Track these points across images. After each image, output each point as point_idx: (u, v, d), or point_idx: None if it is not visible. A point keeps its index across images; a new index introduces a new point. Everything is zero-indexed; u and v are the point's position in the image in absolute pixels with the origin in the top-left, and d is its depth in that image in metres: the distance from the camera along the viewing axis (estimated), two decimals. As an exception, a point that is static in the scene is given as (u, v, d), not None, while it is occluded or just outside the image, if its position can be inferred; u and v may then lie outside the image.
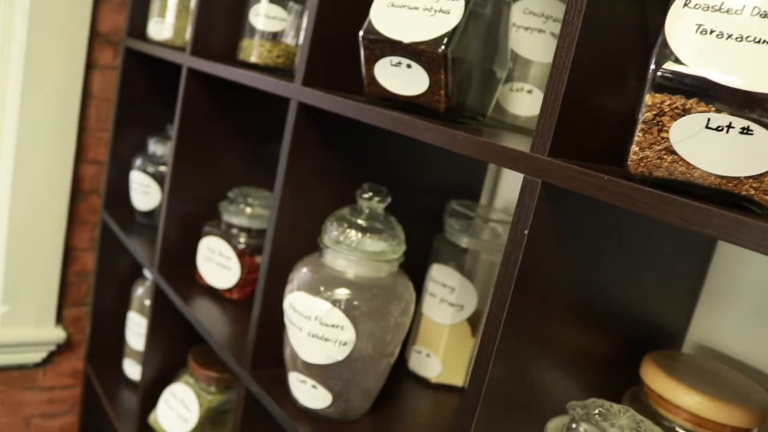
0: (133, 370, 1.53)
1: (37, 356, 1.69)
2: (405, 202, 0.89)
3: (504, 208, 1.09)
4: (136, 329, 1.49)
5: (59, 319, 1.71)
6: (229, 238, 1.12)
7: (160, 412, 1.23)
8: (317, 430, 0.80)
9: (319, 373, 0.80)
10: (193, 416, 1.18)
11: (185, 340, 1.27)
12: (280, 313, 0.88)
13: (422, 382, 0.99)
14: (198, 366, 1.20)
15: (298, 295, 0.79)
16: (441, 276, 0.96)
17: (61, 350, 1.73)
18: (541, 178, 0.54)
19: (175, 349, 1.27)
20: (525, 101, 0.88)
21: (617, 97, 0.58)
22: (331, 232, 0.79)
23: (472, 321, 0.97)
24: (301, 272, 0.80)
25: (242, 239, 1.12)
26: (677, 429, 0.67)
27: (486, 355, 0.58)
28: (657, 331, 0.78)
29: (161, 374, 1.28)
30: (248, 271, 1.13)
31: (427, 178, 1.03)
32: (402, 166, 0.98)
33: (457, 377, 0.99)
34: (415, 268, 0.88)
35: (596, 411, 0.61)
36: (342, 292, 0.77)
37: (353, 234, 0.78)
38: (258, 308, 0.88)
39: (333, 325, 0.76)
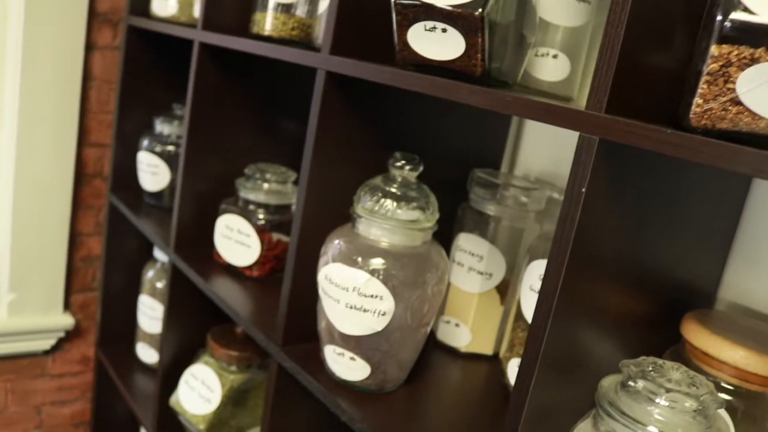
0: (146, 353, 1.52)
1: (45, 343, 1.67)
2: (427, 172, 0.89)
3: (524, 176, 1.09)
4: (149, 312, 1.48)
5: (67, 306, 1.70)
6: (247, 214, 1.11)
7: (182, 393, 1.23)
8: (356, 402, 0.80)
9: (356, 344, 0.80)
10: (216, 396, 1.18)
11: (202, 320, 1.26)
12: (310, 288, 0.87)
13: (451, 352, 0.99)
14: (218, 345, 1.19)
15: (333, 267, 0.78)
16: (468, 245, 0.96)
17: (70, 337, 1.72)
18: (598, 135, 0.53)
19: (193, 330, 1.27)
20: (550, 66, 0.87)
21: (667, 54, 0.58)
22: (365, 201, 0.79)
23: (500, 289, 0.97)
24: (335, 243, 0.80)
25: (261, 216, 1.11)
26: (722, 384, 0.68)
27: (543, 317, 0.58)
28: (690, 291, 0.79)
29: (179, 356, 1.27)
30: (268, 248, 1.12)
31: (447, 149, 1.02)
32: (423, 137, 0.97)
33: (487, 346, 0.99)
34: (439, 239, 0.87)
35: (650, 367, 0.61)
36: (379, 262, 0.76)
37: (387, 203, 0.78)
38: (289, 282, 0.87)
39: (372, 296, 0.76)
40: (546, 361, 0.59)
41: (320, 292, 0.81)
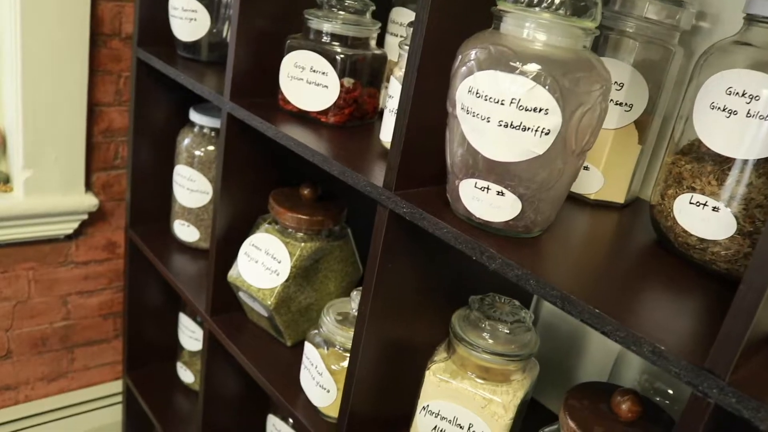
0: (185, 231, 1.37)
1: (68, 227, 1.51)
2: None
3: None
4: (188, 184, 1.32)
5: (88, 186, 1.53)
6: (323, 49, 0.93)
7: (242, 266, 1.08)
8: (501, 247, 0.65)
9: (505, 175, 0.64)
10: (285, 267, 1.03)
11: (262, 185, 1.11)
12: (429, 119, 0.72)
13: (577, 200, 0.84)
14: (284, 209, 1.04)
15: (483, 76, 0.61)
16: (605, 70, 0.79)
17: (93, 220, 1.56)
18: None
19: (252, 195, 1.11)
20: None
21: None
22: (518, -7, 0.62)
23: (638, 124, 0.82)
24: (480, 49, 0.63)
25: (339, 49, 0.93)
26: None
27: None
28: None
29: (235, 226, 1.12)
30: (346, 90, 0.95)
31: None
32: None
33: (619, 193, 0.84)
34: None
35: None
36: (542, 67, 0.60)
37: (548, -7, 0.61)
38: (406, 108, 0.71)
39: (534, 109, 0.60)
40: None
41: (458, 113, 0.65)
